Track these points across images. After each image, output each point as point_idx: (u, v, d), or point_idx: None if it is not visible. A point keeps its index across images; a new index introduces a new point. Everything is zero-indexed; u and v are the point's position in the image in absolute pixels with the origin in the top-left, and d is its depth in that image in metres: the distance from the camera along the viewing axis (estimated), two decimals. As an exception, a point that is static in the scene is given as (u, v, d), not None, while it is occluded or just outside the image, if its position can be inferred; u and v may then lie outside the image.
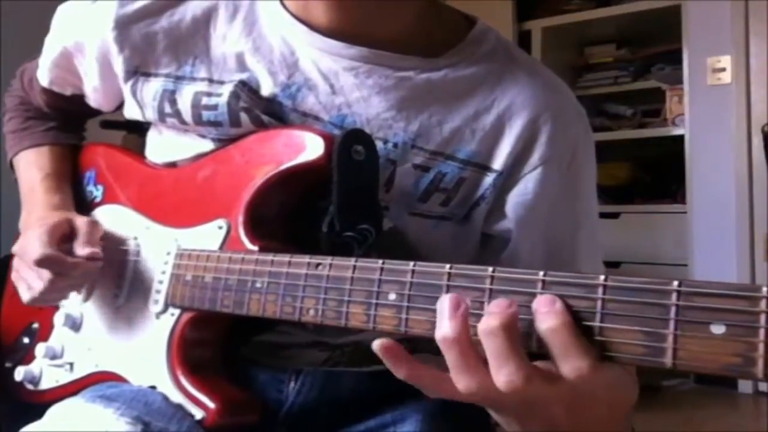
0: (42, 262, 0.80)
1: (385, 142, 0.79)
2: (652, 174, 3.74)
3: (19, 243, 0.86)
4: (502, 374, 0.51)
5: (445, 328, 0.53)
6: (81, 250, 0.82)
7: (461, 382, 0.53)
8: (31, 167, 0.97)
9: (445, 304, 0.53)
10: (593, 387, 0.51)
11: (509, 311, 0.51)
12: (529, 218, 0.81)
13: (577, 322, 0.50)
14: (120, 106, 0.92)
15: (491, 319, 0.51)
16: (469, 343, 0.52)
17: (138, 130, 0.95)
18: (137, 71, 0.84)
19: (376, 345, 0.54)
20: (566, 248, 0.83)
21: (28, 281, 0.83)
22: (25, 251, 0.83)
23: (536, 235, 0.82)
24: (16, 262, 0.87)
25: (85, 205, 0.94)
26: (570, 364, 0.50)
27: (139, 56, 0.84)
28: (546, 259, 0.82)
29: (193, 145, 0.84)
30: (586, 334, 0.50)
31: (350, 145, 0.73)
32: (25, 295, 0.84)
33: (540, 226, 0.81)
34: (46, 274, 0.81)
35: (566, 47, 3.90)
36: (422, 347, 0.65)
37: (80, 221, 0.85)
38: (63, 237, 0.83)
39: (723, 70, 3.18)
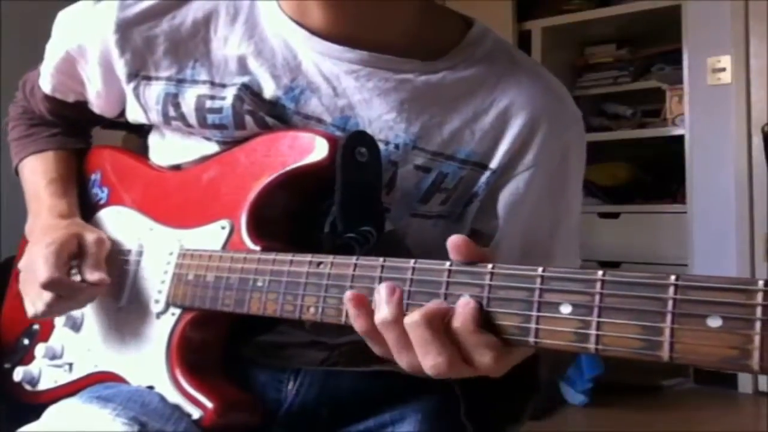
0: (47, 286, 0.80)
1: (387, 143, 0.80)
2: (652, 174, 3.73)
3: (25, 259, 0.85)
4: (427, 360, 0.57)
5: (383, 312, 0.58)
6: (90, 274, 0.82)
7: (402, 361, 0.59)
8: (36, 173, 0.96)
9: (382, 291, 0.59)
10: (505, 365, 0.57)
11: (430, 305, 0.57)
12: (516, 215, 0.82)
13: (483, 317, 0.55)
14: (123, 112, 0.91)
15: (414, 312, 0.57)
16: (404, 326, 0.57)
17: (138, 130, 0.96)
18: (138, 74, 0.85)
19: (347, 295, 0.61)
20: (542, 244, 0.85)
21: (31, 299, 0.84)
22: (30, 269, 0.83)
23: (518, 230, 0.83)
24: (21, 277, 0.87)
25: (90, 207, 0.94)
26: (477, 357, 0.56)
27: (140, 59, 0.84)
28: (521, 254, 0.83)
29: (198, 147, 0.85)
30: (486, 327, 0.55)
31: (354, 147, 0.74)
32: (29, 311, 0.84)
33: (523, 222, 0.83)
34: (47, 296, 0.81)
35: (566, 47, 3.90)
36: None
37: (89, 239, 0.84)
38: (70, 256, 0.83)
39: (723, 70, 3.18)
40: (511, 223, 0.82)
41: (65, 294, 0.81)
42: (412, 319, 0.57)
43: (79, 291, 0.82)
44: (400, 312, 0.58)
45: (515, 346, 0.55)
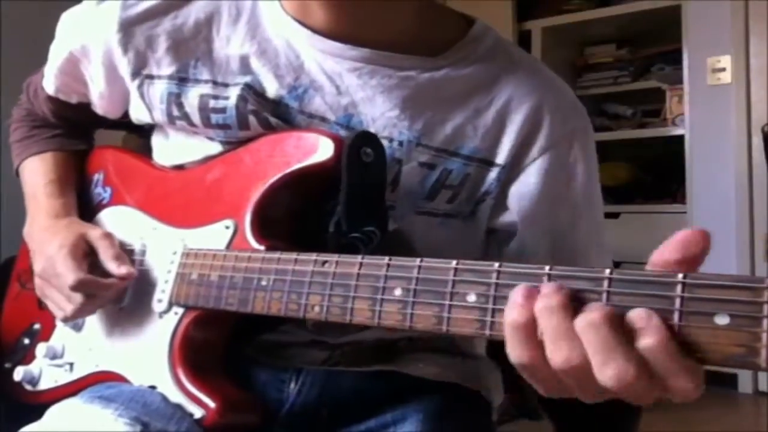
0: (77, 287, 0.80)
1: (391, 140, 0.80)
2: (652, 174, 3.74)
3: (41, 265, 0.85)
4: (608, 368, 0.48)
5: (548, 299, 0.51)
6: (116, 269, 0.82)
7: (557, 356, 0.50)
8: (35, 174, 0.97)
9: (546, 288, 0.52)
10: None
11: (596, 308, 0.50)
12: (532, 209, 0.82)
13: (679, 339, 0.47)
14: (126, 114, 0.91)
15: (593, 311, 0.49)
16: (572, 324, 0.50)
17: (138, 130, 0.96)
18: (141, 73, 0.85)
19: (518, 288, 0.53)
20: (568, 240, 0.84)
21: (58, 303, 0.83)
22: (50, 274, 0.83)
23: (539, 226, 0.83)
24: (39, 282, 0.87)
25: (92, 207, 0.95)
26: (676, 384, 0.48)
27: (142, 58, 0.85)
28: (550, 249, 0.83)
29: (202, 147, 0.85)
30: (689, 352, 0.47)
31: (359, 147, 0.74)
32: (59, 315, 0.84)
33: (542, 217, 0.82)
34: (78, 297, 0.81)
35: (566, 47, 3.91)
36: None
37: (95, 235, 0.85)
38: (85, 254, 0.83)
39: (723, 70, 3.18)
40: (527, 219, 0.82)
41: (95, 293, 0.81)
42: (590, 317, 0.49)
43: (108, 288, 0.82)
44: (568, 302, 0.50)
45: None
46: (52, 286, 0.84)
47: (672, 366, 0.47)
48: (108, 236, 0.85)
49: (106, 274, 0.82)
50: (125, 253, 0.86)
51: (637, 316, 0.48)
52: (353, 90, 0.81)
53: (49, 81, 0.95)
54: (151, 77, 0.85)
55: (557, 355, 0.50)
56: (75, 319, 0.85)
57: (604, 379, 0.48)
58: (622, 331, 0.48)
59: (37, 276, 0.86)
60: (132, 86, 0.86)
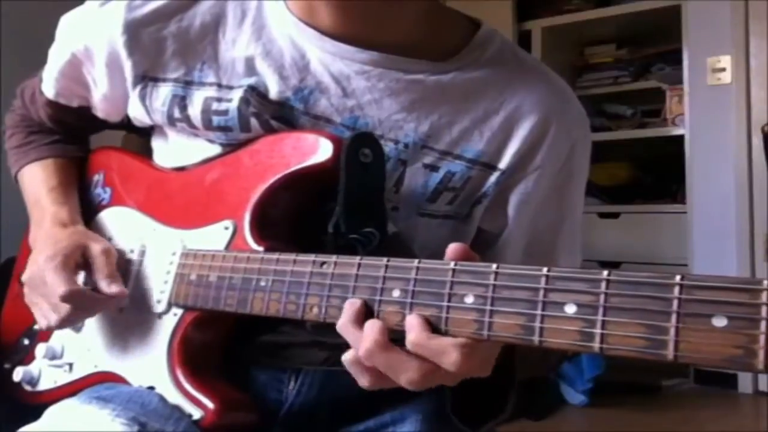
0: (67, 299, 0.79)
1: (396, 142, 0.80)
2: (652, 174, 3.74)
3: (30, 270, 0.84)
4: (401, 380, 0.59)
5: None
6: (107, 287, 0.81)
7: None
8: (36, 181, 0.96)
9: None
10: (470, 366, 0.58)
11: (373, 336, 0.59)
12: (524, 214, 0.84)
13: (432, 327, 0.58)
14: (125, 118, 0.91)
15: (364, 343, 0.59)
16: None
17: (138, 130, 0.95)
18: (146, 76, 0.84)
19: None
20: (546, 241, 0.86)
21: (43, 312, 0.83)
22: (38, 282, 0.82)
23: (525, 226, 0.84)
24: (26, 290, 0.86)
25: (92, 208, 0.94)
26: (445, 360, 0.57)
27: (148, 61, 0.84)
28: (525, 251, 0.84)
29: (202, 148, 0.85)
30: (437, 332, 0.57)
31: (358, 148, 0.74)
32: (42, 323, 0.84)
33: (531, 218, 0.84)
34: (64, 308, 0.80)
35: (566, 47, 3.90)
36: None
37: (95, 250, 0.84)
38: (77, 266, 0.82)
39: (723, 70, 3.18)
40: (518, 222, 0.84)
41: (83, 306, 0.81)
42: (364, 350, 0.60)
43: (97, 302, 0.81)
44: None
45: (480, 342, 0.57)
46: (39, 295, 0.83)
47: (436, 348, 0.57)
48: (107, 252, 0.84)
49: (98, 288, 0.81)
50: (124, 254, 0.86)
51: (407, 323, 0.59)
52: (360, 92, 0.81)
53: (49, 84, 0.94)
54: (156, 80, 0.84)
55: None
56: (59, 329, 0.85)
57: (404, 384, 0.60)
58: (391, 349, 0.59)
59: (24, 283, 0.85)
60: (134, 89, 0.85)
